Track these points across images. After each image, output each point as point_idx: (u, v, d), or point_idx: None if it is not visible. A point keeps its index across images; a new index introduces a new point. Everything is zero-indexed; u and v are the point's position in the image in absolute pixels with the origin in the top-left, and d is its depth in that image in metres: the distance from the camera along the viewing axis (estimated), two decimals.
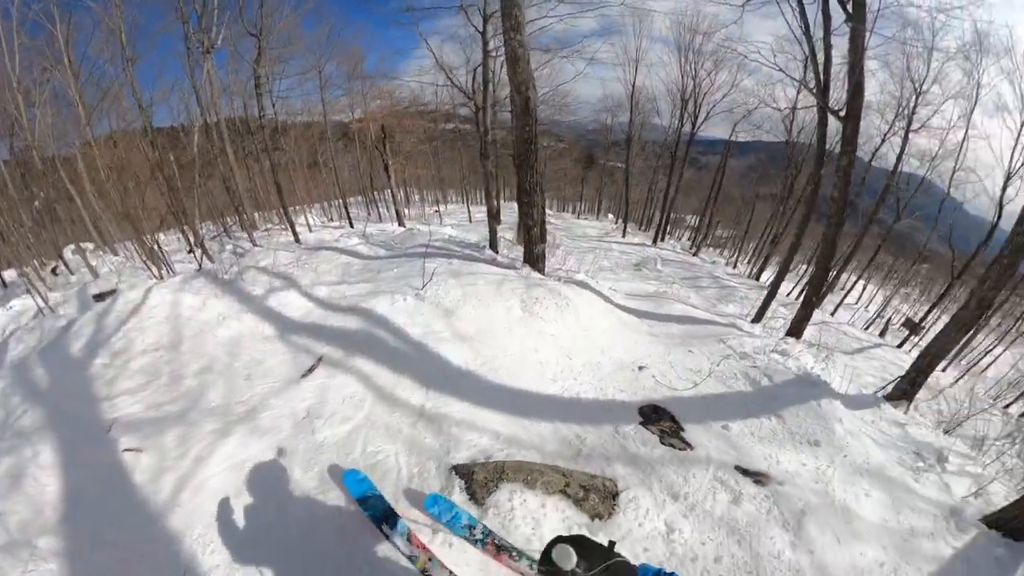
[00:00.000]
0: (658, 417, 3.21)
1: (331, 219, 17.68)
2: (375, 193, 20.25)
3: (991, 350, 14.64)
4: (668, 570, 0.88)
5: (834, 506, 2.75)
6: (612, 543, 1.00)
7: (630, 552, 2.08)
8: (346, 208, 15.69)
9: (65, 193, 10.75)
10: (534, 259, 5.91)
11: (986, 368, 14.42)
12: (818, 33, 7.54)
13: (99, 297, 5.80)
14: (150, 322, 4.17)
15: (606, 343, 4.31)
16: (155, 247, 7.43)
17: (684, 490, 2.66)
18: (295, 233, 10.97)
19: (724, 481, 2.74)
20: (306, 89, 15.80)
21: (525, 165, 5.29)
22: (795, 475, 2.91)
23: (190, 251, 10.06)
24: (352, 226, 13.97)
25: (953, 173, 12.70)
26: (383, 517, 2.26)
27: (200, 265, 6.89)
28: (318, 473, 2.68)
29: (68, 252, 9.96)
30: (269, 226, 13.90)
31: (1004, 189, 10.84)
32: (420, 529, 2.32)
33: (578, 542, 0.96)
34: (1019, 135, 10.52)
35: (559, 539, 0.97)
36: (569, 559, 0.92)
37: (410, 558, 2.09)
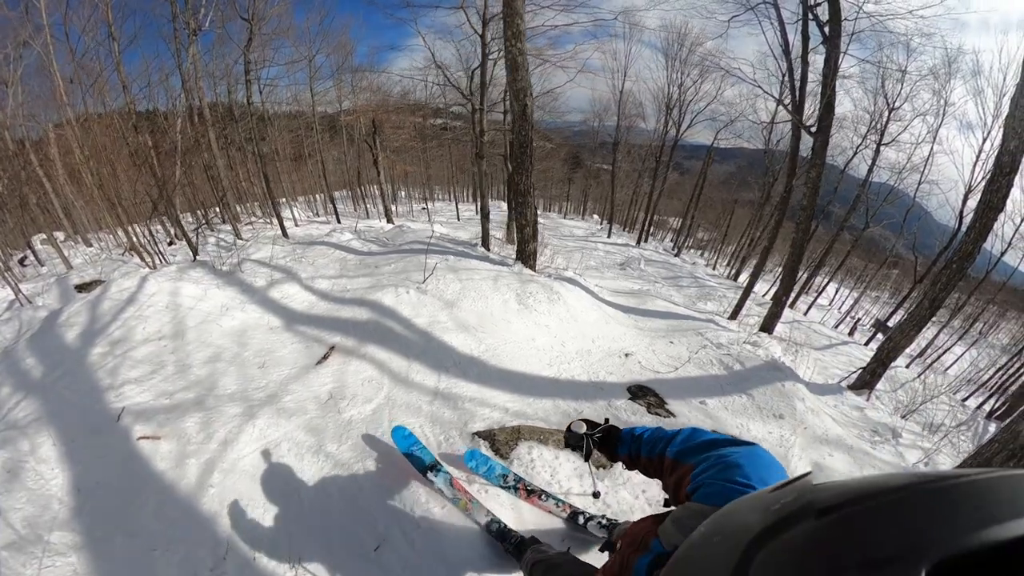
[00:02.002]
0: (643, 393, 3.60)
1: (316, 214, 17.61)
2: (362, 188, 20.22)
3: (951, 348, 15.63)
4: (641, 428, 1.19)
5: (801, 460, 3.19)
6: (607, 420, 1.41)
7: (631, 494, 2.51)
8: (332, 203, 15.66)
9: (35, 177, 10.21)
10: (526, 256, 6.21)
11: (949, 366, 15.41)
12: (797, 52, 8.07)
13: (82, 288, 5.62)
14: (150, 311, 4.05)
15: (595, 333, 4.65)
16: (145, 236, 7.37)
17: None
18: (283, 227, 10.95)
19: None
20: (295, 78, 15.68)
21: (521, 168, 5.59)
22: (763, 440, 3.34)
23: (171, 243, 10.00)
24: (339, 221, 14.00)
25: (918, 185, 13.67)
26: (427, 467, 2.51)
27: (195, 256, 6.91)
28: (352, 445, 2.82)
29: (37, 242, 9.68)
30: (253, 219, 13.77)
31: (964, 201, 11.65)
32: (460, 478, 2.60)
33: (585, 421, 1.40)
34: (980, 152, 11.36)
35: (573, 421, 1.41)
36: (581, 427, 1.38)
37: (452, 500, 2.40)
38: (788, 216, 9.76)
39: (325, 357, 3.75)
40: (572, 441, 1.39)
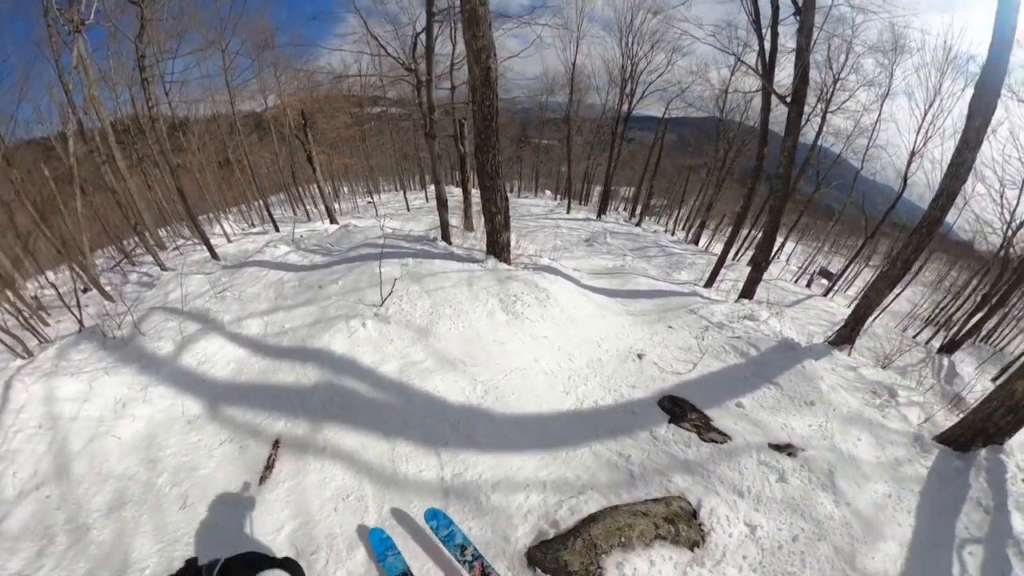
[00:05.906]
0: (681, 410, 3.15)
1: (252, 224, 15.81)
2: (299, 189, 18.50)
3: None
4: None
5: (844, 458, 3.13)
6: None
7: (733, 564, 1.98)
8: (268, 210, 14.00)
9: None
10: (499, 249, 5.47)
11: (888, 304, 16.76)
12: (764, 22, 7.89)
13: None
14: (18, 440, 2.85)
15: (597, 334, 4.04)
16: (15, 306, 5.15)
17: (744, 484, 2.77)
18: (211, 248, 9.34)
19: (767, 463, 2.91)
20: (207, 69, 13.65)
21: (486, 145, 4.77)
22: (809, 438, 3.22)
23: (86, 290, 8.24)
24: (277, 230, 12.54)
25: (866, 151, 14.76)
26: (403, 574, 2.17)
27: (81, 323, 4.85)
28: None
29: None
30: (180, 242, 11.97)
31: (908, 164, 13.03)
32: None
33: None
34: (922, 121, 12.62)
35: None
36: None
37: None
38: (741, 181, 9.88)
39: (269, 467, 2.66)
40: None
